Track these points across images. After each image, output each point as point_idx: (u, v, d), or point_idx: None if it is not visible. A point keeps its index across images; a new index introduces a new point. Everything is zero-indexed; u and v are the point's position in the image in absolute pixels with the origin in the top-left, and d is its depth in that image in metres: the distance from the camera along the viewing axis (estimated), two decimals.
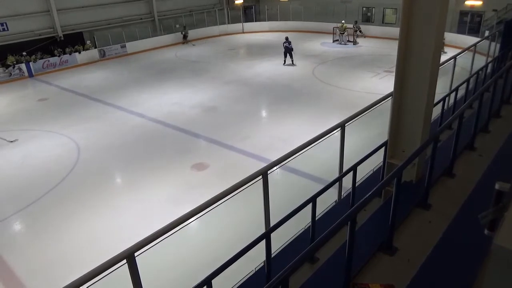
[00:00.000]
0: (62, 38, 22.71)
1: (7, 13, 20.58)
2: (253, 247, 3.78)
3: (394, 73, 4.63)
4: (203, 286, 3.45)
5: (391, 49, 20.69)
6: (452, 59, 8.28)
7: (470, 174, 4.73)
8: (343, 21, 24.85)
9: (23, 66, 20.37)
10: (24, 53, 20.60)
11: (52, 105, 15.68)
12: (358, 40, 24.67)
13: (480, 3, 21.27)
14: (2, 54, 20.00)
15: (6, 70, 19.72)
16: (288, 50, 19.29)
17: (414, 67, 4.41)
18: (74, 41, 22.89)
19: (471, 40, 18.35)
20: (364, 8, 27.24)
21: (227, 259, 3.61)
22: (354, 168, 4.99)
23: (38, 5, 21.81)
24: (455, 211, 4.01)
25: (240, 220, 7.49)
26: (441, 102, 6.88)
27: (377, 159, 5.54)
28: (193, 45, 26.62)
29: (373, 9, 26.77)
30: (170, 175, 9.81)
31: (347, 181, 5.27)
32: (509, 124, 6.12)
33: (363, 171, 5.80)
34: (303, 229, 4.92)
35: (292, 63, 19.48)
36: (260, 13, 31.50)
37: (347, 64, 19.84)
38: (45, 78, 20.28)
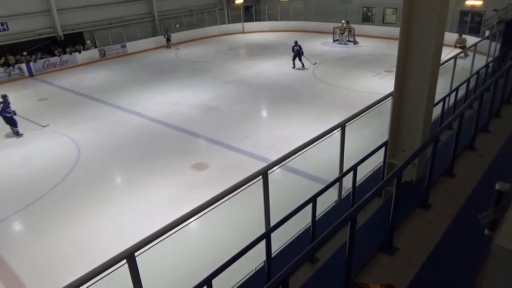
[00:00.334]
0: (62, 38, 22.73)
1: (7, 13, 20.59)
2: (253, 247, 3.77)
3: (394, 73, 4.63)
4: (203, 286, 3.45)
5: (391, 49, 20.69)
6: (452, 59, 8.28)
7: (470, 174, 4.73)
8: (343, 21, 24.85)
9: (23, 66, 20.38)
10: (25, 53, 20.62)
11: (52, 105, 15.68)
12: (356, 39, 24.66)
13: (480, 3, 21.28)
14: (2, 54, 20.02)
15: (7, 70, 19.71)
16: (298, 54, 18.71)
17: (414, 67, 4.41)
18: (74, 41, 22.92)
19: (471, 40, 18.37)
20: (364, 8, 27.25)
21: (227, 259, 3.61)
22: (354, 168, 4.99)
23: (38, 5, 21.81)
24: (455, 211, 4.02)
25: (240, 220, 7.49)
26: (441, 102, 6.87)
27: (377, 159, 5.54)
28: (177, 48, 25.56)
29: (373, 9, 26.77)
30: (170, 175, 9.81)
31: (347, 181, 5.27)
32: (509, 124, 6.12)
33: (363, 171, 5.79)
34: (303, 229, 4.92)
35: (302, 66, 18.93)
36: (260, 13, 31.51)
37: (348, 64, 19.84)
38: (45, 78, 20.29)
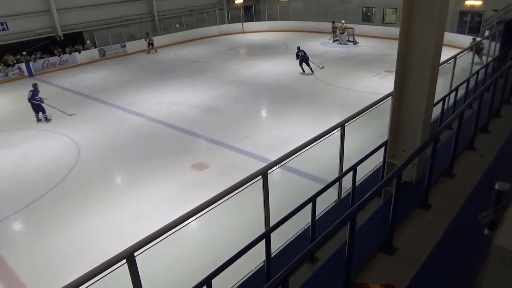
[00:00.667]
0: (62, 38, 22.72)
1: (7, 13, 20.58)
2: (253, 246, 3.78)
3: (394, 73, 4.63)
4: (203, 285, 3.45)
5: (391, 49, 20.70)
6: (452, 59, 8.28)
7: (470, 174, 4.74)
8: (343, 21, 24.85)
9: (23, 65, 20.37)
10: (24, 53, 20.61)
11: (52, 105, 15.62)
12: (356, 39, 24.66)
13: (480, 3, 21.28)
14: (2, 54, 20.01)
15: (6, 70, 19.69)
16: (304, 60, 17.94)
17: (414, 67, 4.40)
18: (74, 40, 22.91)
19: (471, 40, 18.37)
20: (364, 8, 27.25)
21: (227, 259, 3.61)
22: (354, 168, 4.99)
23: (38, 4, 21.81)
24: (455, 211, 4.02)
25: (240, 219, 7.48)
26: (441, 102, 6.88)
27: (377, 159, 5.54)
28: (156, 52, 24.54)
29: (373, 9, 26.77)
30: (170, 175, 9.81)
31: (347, 181, 5.27)
32: (509, 124, 6.12)
33: (363, 171, 5.79)
34: (303, 229, 4.92)
35: (311, 70, 18.10)
36: (260, 13, 31.49)
37: (348, 64, 19.83)
38: (45, 77, 20.27)
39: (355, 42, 24.53)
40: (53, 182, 9.73)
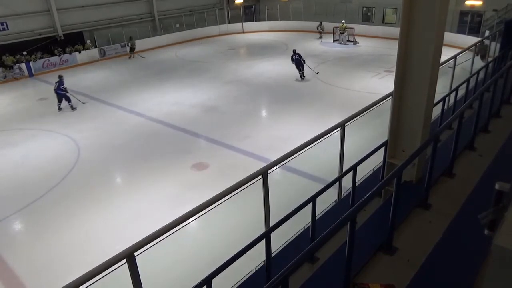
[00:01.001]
0: (62, 38, 22.71)
1: (7, 13, 20.58)
2: (253, 246, 3.78)
3: (394, 73, 4.63)
4: (203, 285, 3.45)
5: (391, 49, 20.70)
6: (452, 59, 8.28)
7: (470, 174, 4.74)
8: (343, 21, 24.85)
9: (23, 65, 20.35)
10: (24, 53, 20.60)
11: (52, 105, 15.60)
12: (356, 39, 24.64)
13: (480, 3, 21.28)
14: (2, 54, 20.00)
15: (4, 71, 19.65)
16: (300, 63, 16.95)
17: (414, 67, 4.40)
18: (74, 40, 22.91)
19: (471, 40, 18.36)
20: (364, 8, 27.25)
21: (227, 259, 3.61)
22: (354, 168, 4.99)
23: (38, 4, 21.80)
24: (455, 211, 4.02)
25: (240, 219, 7.48)
26: (441, 102, 6.88)
27: (377, 159, 5.54)
28: (143, 57, 23.61)
29: (373, 9, 26.77)
30: (170, 175, 9.81)
31: (347, 181, 5.27)
32: (509, 124, 6.13)
33: (363, 171, 5.79)
34: (303, 229, 4.92)
35: (303, 76, 17.17)
36: (260, 12, 31.50)
37: (347, 64, 19.84)
38: (45, 77, 20.25)
39: (355, 42, 24.53)
40: (53, 182, 9.73)
